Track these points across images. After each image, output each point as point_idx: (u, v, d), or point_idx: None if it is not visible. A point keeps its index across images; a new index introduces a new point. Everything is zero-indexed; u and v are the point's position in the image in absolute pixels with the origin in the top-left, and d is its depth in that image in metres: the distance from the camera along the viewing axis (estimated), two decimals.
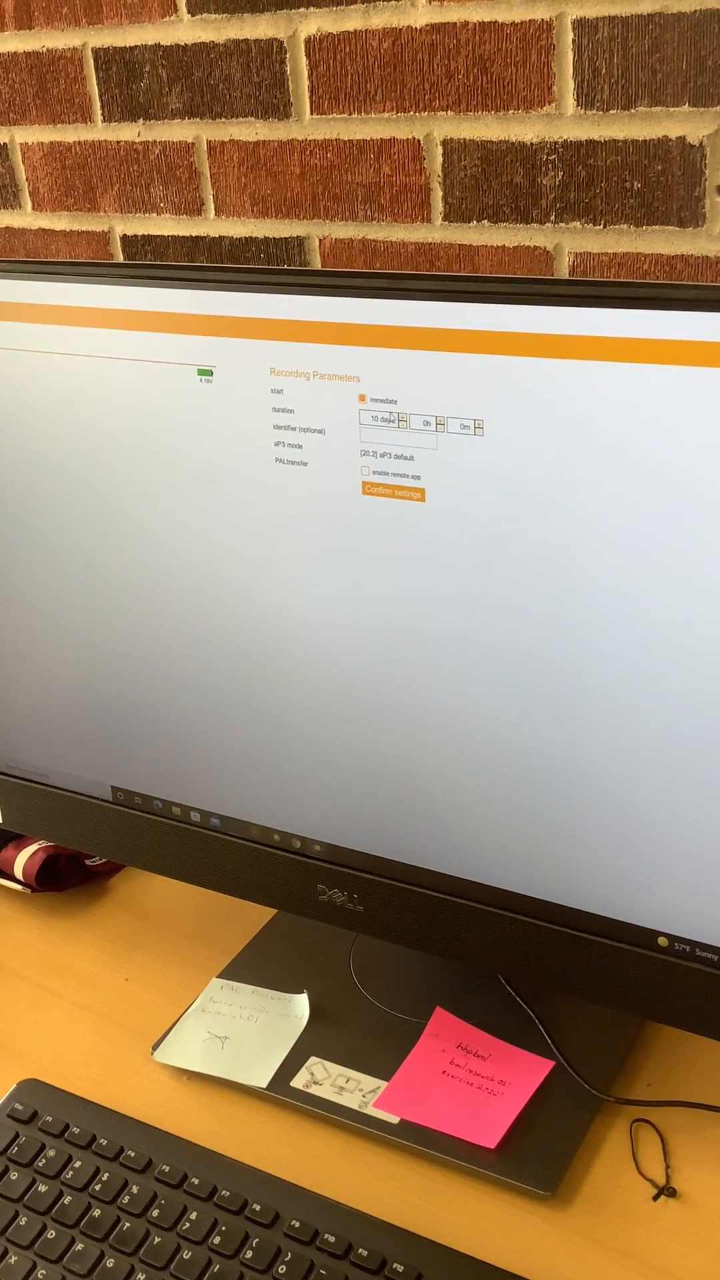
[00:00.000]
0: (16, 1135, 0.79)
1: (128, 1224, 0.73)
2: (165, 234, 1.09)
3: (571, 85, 0.85)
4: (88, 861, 1.04)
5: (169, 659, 0.83)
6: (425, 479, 0.69)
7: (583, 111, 0.85)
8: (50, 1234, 0.73)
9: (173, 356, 0.75)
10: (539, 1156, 0.76)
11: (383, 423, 0.69)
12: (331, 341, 0.69)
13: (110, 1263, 0.71)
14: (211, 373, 0.74)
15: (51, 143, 1.12)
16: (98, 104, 1.07)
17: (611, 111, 0.84)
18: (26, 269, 0.79)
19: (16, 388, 0.81)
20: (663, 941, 0.73)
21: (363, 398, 0.70)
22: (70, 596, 0.85)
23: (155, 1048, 0.86)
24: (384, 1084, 0.81)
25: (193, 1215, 0.73)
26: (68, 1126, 0.79)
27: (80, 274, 0.77)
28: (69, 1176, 0.76)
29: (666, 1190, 0.74)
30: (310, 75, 0.95)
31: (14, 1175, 0.77)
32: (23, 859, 1.02)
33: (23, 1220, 0.74)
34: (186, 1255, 0.71)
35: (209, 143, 1.03)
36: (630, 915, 0.73)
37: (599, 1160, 0.77)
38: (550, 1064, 0.81)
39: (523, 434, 0.66)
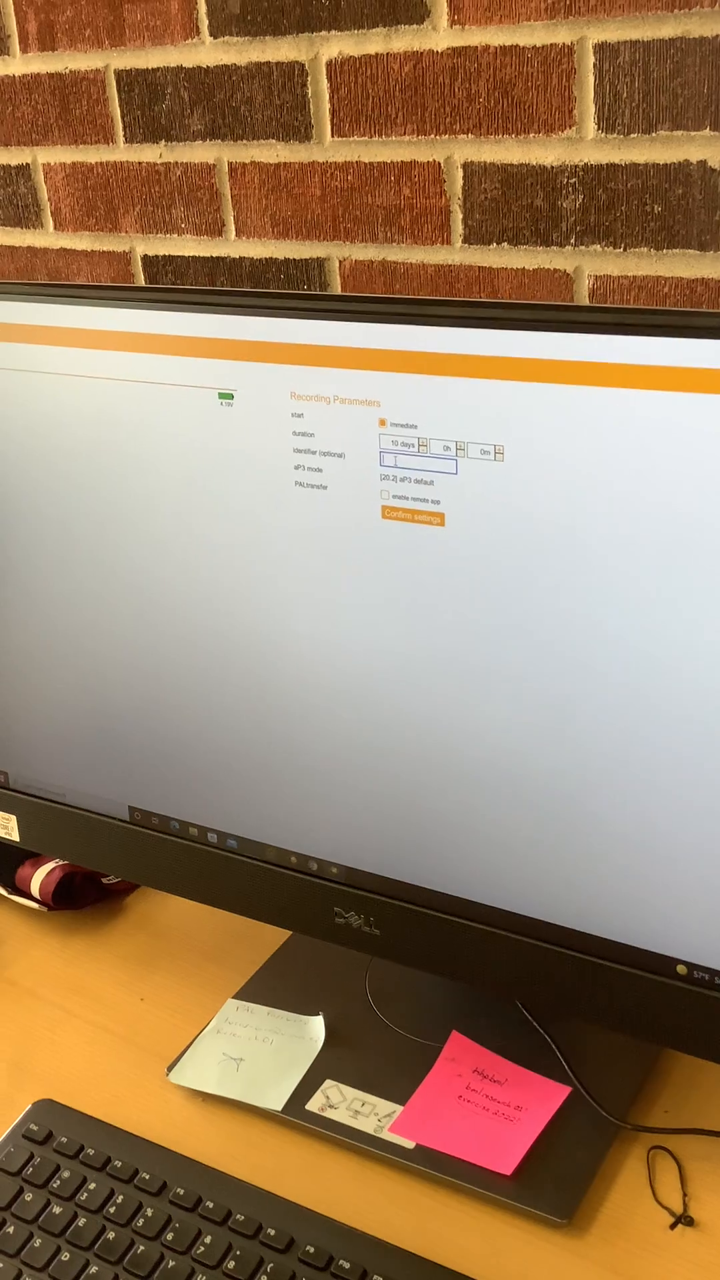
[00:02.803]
0: (31, 1156, 0.79)
1: (142, 1247, 0.73)
2: (186, 254, 1.10)
3: (592, 109, 0.85)
4: (104, 880, 1.04)
5: (187, 679, 0.83)
6: (445, 504, 0.69)
7: (603, 135, 0.86)
8: (64, 1256, 0.73)
9: (194, 380, 0.75)
10: (555, 1183, 0.76)
11: (403, 447, 0.69)
12: (352, 366, 0.69)
13: None
14: (232, 396, 0.74)
15: (73, 163, 1.12)
16: (120, 125, 1.08)
17: (632, 135, 0.85)
18: (49, 292, 0.79)
19: (39, 410, 0.81)
20: (681, 969, 0.72)
21: (383, 422, 0.70)
22: (89, 616, 0.85)
23: (170, 1069, 0.86)
24: (399, 1108, 0.81)
25: (207, 1239, 0.73)
26: (82, 1148, 0.79)
27: (102, 298, 0.77)
28: (83, 1198, 0.76)
29: (684, 1219, 0.74)
30: (331, 98, 0.96)
31: (28, 1196, 0.77)
32: (39, 877, 1.02)
33: (37, 1242, 0.74)
34: None
35: (230, 164, 1.03)
36: (649, 942, 0.73)
37: (615, 1188, 0.76)
38: (567, 1090, 0.81)
39: (543, 460, 0.66)
